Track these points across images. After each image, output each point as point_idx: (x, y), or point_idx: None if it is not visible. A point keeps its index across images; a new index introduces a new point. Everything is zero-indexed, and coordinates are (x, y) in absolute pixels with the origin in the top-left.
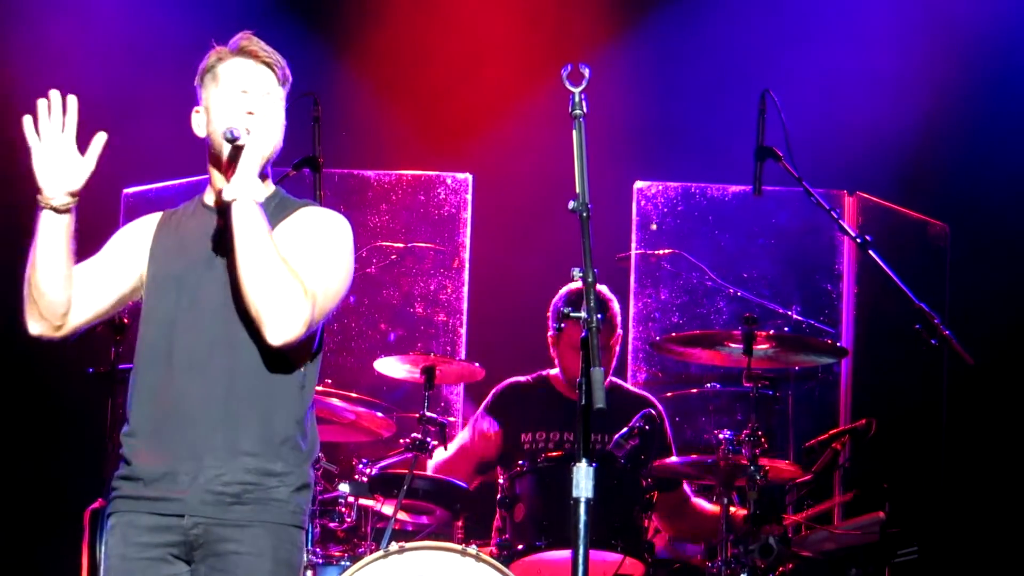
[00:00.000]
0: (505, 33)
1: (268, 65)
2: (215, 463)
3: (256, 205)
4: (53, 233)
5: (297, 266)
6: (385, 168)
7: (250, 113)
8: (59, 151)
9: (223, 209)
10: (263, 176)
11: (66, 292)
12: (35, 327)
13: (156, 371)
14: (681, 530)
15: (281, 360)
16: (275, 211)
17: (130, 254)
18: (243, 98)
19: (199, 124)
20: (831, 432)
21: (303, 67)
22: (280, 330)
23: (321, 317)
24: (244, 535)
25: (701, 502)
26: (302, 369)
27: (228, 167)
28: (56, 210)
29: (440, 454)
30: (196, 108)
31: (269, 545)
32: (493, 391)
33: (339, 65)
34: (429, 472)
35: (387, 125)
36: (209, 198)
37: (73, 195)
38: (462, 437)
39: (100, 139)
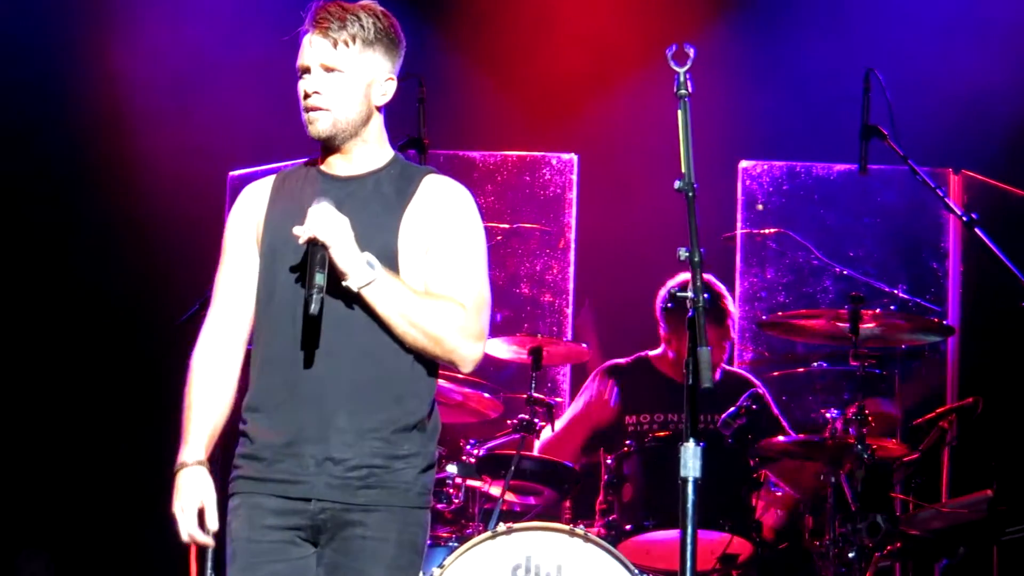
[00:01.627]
0: (610, 12)
1: (327, 34)
2: (342, 446)
3: (382, 284)
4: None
5: (445, 277)
6: (490, 149)
7: (306, 95)
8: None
9: (344, 179)
10: (374, 148)
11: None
12: None
13: (282, 347)
14: (796, 481)
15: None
16: (399, 182)
17: (253, 241)
18: (303, 81)
19: None
20: (938, 411)
21: (408, 48)
22: (468, 359)
23: (487, 313)
24: (370, 519)
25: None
26: None
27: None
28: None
29: (548, 432)
30: None
31: (395, 528)
32: (595, 371)
33: (444, 46)
34: (538, 449)
35: (492, 105)
36: (324, 166)
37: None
38: (573, 408)
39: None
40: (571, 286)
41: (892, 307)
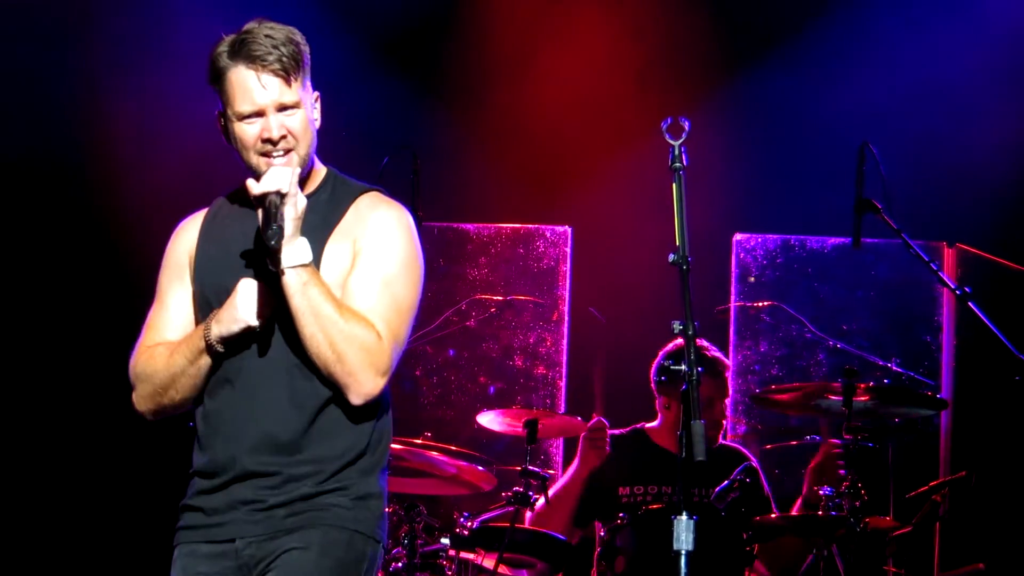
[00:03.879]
0: (605, 87)
1: (278, 71)
2: (271, 490)
3: (308, 274)
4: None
5: (364, 300)
6: (484, 221)
7: (268, 141)
8: None
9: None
10: (308, 171)
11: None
12: (151, 416)
13: (219, 398)
14: (779, 568)
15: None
16: (327, 207)
17: (187, 284)
18: (258, 124)
19: (223, 133)
20: (931, 484)
21: (403, 121)
22: (363, 390)
23: (399, 351)
24: (294, 536)
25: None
26: None
27: (265, 224)
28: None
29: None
30: (218, 113)
31: (317, 540)
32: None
33: (439, 119)
34: (529, 519)
35: (487, 178)
36: (247, 197)
37: None
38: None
39: None
40: (565, 358)
41: (885, 381)
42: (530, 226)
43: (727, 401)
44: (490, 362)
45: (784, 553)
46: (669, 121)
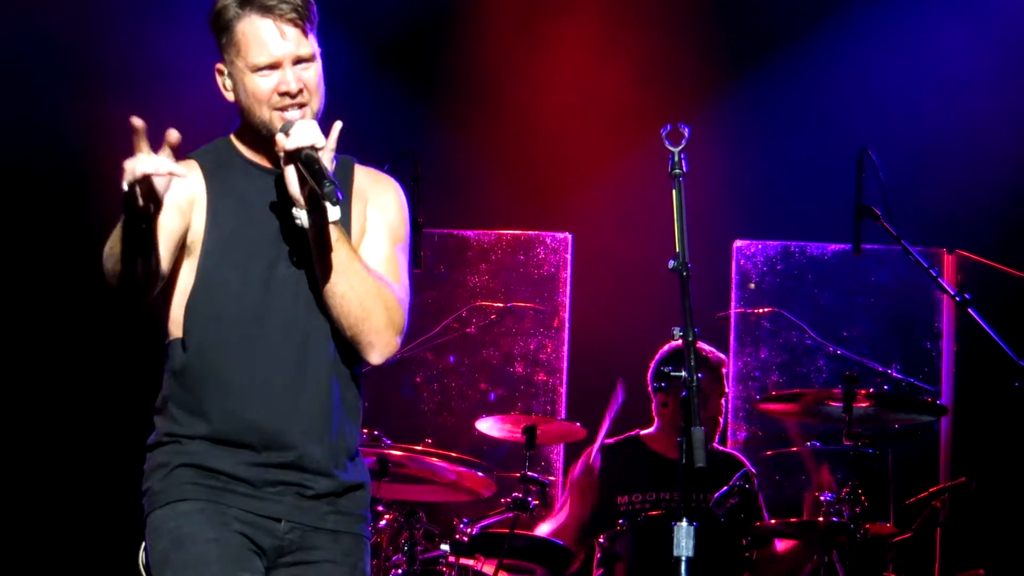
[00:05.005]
0: (605, 93)
1: (295, 20)
2: (316, 475)
3: (338, 231)
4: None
5: (379, 263)
6: (485, 227)
7: (286, 94)
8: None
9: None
10: None
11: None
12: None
13: (236, 363)
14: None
15: (357, 355)
16: (336, 173)
17: (180, 212)
18: (274, 77)
19: (225, 88)
20: (931, 490)
21: (404, 128)
22: (387, 350)
23: (408, 316)
24: (337, 545)
25: (781, 545)
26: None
27: (302, 185)
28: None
29: (546, 527)
30: (219, 67)
31: (361, 556)
32: (584, 455)
33: (439, 125)
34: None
35: (487, 184)
36: (250, 154)
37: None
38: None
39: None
40: (565, 365)
41: (885, 387)
42: (530, 232)
43: (723, 401)
44: (491, 369)
45: (777, 565)
46: (669, 127)
